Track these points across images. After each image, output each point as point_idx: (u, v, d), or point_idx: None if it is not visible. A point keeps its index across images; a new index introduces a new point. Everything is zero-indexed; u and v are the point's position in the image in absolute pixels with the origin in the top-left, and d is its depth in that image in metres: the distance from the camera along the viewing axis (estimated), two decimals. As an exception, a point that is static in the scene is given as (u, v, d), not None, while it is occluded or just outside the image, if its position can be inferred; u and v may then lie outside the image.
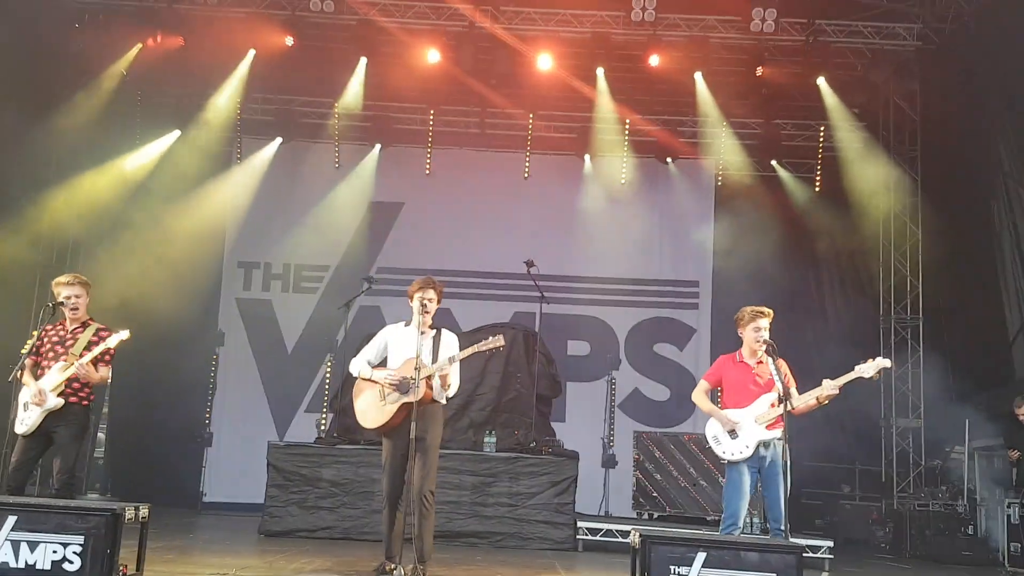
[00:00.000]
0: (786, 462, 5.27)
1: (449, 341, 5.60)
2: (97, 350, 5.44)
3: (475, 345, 5.45)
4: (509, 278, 11.34)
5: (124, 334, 5.52)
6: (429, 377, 5.38)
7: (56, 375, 5.40)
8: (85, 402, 5.50)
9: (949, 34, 10.50)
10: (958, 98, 10.42)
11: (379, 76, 11.16)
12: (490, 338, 5.45)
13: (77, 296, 5.55)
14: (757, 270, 10.82)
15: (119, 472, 10.57)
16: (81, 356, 5.42)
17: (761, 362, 5.56)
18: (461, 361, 5.54)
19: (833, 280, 11.64)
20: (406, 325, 5.63)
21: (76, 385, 5.43)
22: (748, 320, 5.63)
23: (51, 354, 5.49)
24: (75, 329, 5.56)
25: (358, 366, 5.63)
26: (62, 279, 5.60)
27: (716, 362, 5.86)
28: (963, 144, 10.54)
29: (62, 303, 5.59)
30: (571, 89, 11.11)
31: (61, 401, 5.38)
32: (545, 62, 10.71)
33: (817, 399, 5.42)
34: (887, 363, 5.47)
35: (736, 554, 4.49)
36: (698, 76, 10.86)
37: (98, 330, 5.56)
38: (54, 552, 4.36)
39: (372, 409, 5.49)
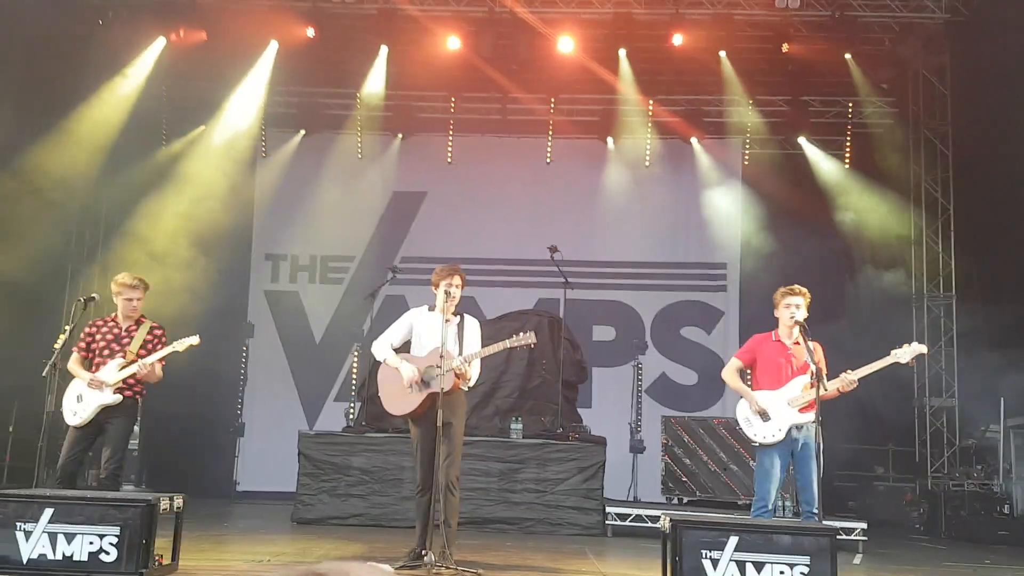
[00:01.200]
0: (819, 444, 5.22)
1: (472, 327, 5.62)
2: (165, 352, 5.59)
3: (506, 340, 5.44)
4: (533, 264, 11.29)
5: (194, 339, 5.64)
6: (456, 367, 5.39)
7: (113, 371, 5.54)
8: (138, 396, 5.68)
9: (978, 5, 10.23)
10: (988, 70, 10.17)
11: (400, 65, 11.14)
12: (521, 334, 5.42)
13: (139, 298, 5.72)
14: (786, 249, 10.68)
15: (154, 464, 10.74)
16: (139, 354, 5.57)
17: (797, 343, 5.50)
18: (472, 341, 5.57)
19: (864, 258, 11.44)
20: (430, 310, 5.63)
21: (131, 380, 5.59)
22: (781, 298, 5.57)
23: (107, 351, 5.63)
24: (129, 327, 5.70)
25: (382, 351, 5.63)
26: (127, 280, 5.70)
27: (750, 340, 5.78)
28: (994, 117, 10.28)
29: (92, 298, 5.72)
30: (592, 72, 11.00)
31: (119, 397, 5.54)
32: (566, 44, 10.61)
33: (838, 390, 5.35)
34: (923, 349, 5.41)
35: (769, 538, 4.45)
36: (722, 54, 10.71)
37: (152, 328, 5.72)
38: (91, 543, 4.44)
39: (398, 396, 5.51)
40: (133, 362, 5.53)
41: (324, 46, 10.80)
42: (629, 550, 7.46)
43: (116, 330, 5.68)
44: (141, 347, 5.60)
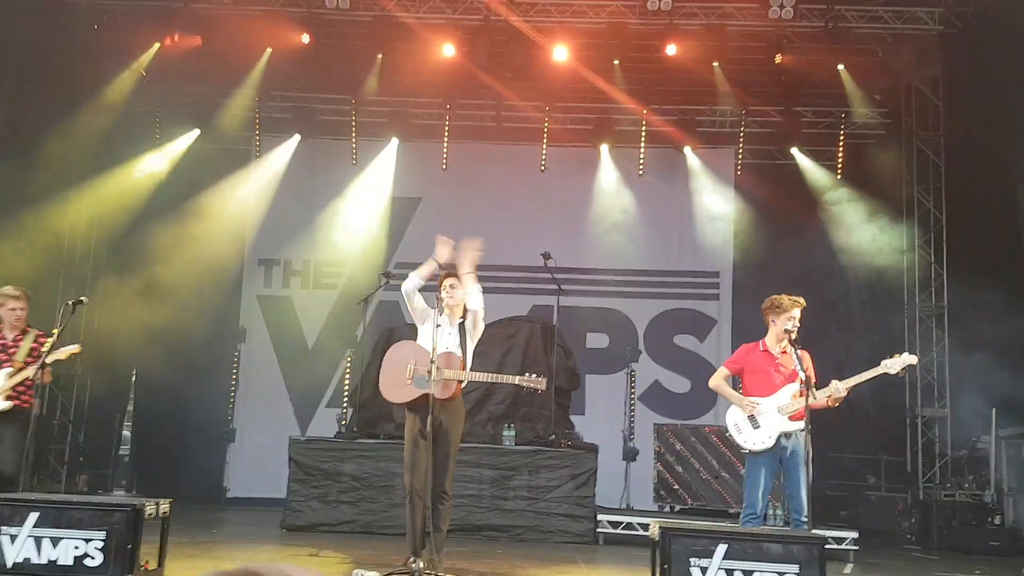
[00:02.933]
0: (808, 452, 5.23)
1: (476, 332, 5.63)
2: (47, 359, 5.72)
3: (516, 377, 5.48)
4: (527, 271, 11.29)
5: (74, 348, 5.89)
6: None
7: (2, 380, 5.82)
8: (27, 404, 5.86)
9: (971, 18, 10.30)
10: (982, 83, 10.23)
11: (395, 72, 11.14)
12: (533, 376, 5.42)
13: (23, 308, 6.04)
14: (779, 259, 10.70)
15: (144, 469, 10.68)
16: (26, 362, 5.89)
17: (785, 352, 5.52)
18: (478, 356, 5.59)
19: (856, 268, 11.47)
20: (439, 316, 5.60)
21: (21, 388, 5.86)
22: (786, 308, 5.54)
23: None
24: (16, 337, 5.98)
25: (411, 281, 5.65)
26: (11, 292, 6.02)
27: (738, 351, 5.82)
28: (987, 129, 10.34)
29: (80, 301, 5.79)
30: (587, 81, 11.03)
31: (10, 404, 5.83)
32: (561, 54, 10.65)
33: (827, 400, 5.35)
34: (913, 359, 5.40)
35: (758, 546, 4.45)
36: (716, 64, 10.74)
37: (37, 336, 6.01)
38: (76, 547, 4.42)
39: (397, 385, 5.49)
40: (21, 370, 5.83)
41: (319, 52, 10.78)
42: (620, 558, 7.45)
43: (2, 341, 5.95)
44: (28, 355, 5.90)
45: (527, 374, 5.49)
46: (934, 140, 11.35)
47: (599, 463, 8.57)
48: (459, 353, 5.47)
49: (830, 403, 5.38)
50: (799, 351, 5.43)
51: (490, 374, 5.57)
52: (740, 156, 11.78)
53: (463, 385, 5.54)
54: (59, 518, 4.46)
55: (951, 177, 11.16)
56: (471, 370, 5.50)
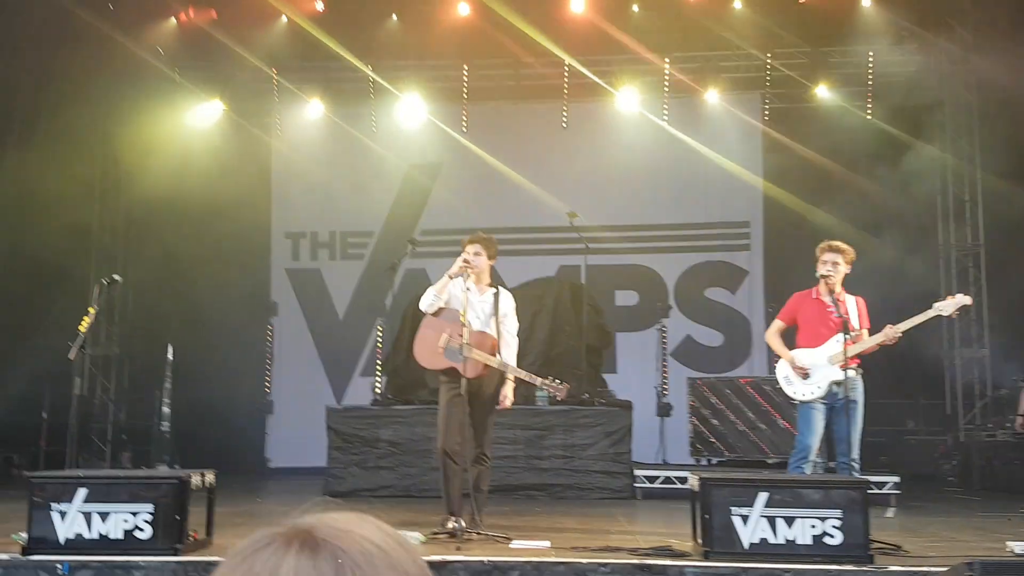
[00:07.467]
0: (855, 401, 5.22)
1: (507, 302, 5.61)
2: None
3: (540, 380, 5.50)
4: (553, 231, 11.22)
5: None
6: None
7: None
8: None
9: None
10: (1014, 13, 9.86)
11: (410, 34, 11.03)
12: (556, 383, 5.44)
13: None
14: (810, 204, 10.50)
15: (186, 445, 10.86)
16: None
17: (840, 300, 5.41)
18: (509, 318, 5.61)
19: (890, 209, 11.24)
20: (464, 280, 5.57)
21: None
22: (820, 254, 5.49)
23: None
24: None
25: (427, 299, 5.56)
26: None
27: (791, 300, 5.75)
28: (1019, 58, 9.99)
29: (114, 280, 5.79)
30: (606, 32, 10.81)
31: None
32: (578, 5, 10.44)
33: (879, 344, 5.26)
34: (967, 300, 5.32)
35: (799, 492, 4.42)
36: (738, 5, 10.48)
37: None
38: (125, 521, 4.49)
39: (428, 349, 5.51)
40: None
41: (334, 19, 10.72)
42: (659, 511, 7.46)
43: None
44: None
45: (550, 378, 5.51)
46: (965, 74, 10.99)
47: (633, 420, 8.57)
48: (493, 333, 5.44)
49: (883, 343, 5.28)
50: (845, 297, 5.36)
51: (517, 368, 5.53)
52: (767, 101, 11.52)
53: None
54: (107, 493, 4.53)
55: (984, 110, 10.83)
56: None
